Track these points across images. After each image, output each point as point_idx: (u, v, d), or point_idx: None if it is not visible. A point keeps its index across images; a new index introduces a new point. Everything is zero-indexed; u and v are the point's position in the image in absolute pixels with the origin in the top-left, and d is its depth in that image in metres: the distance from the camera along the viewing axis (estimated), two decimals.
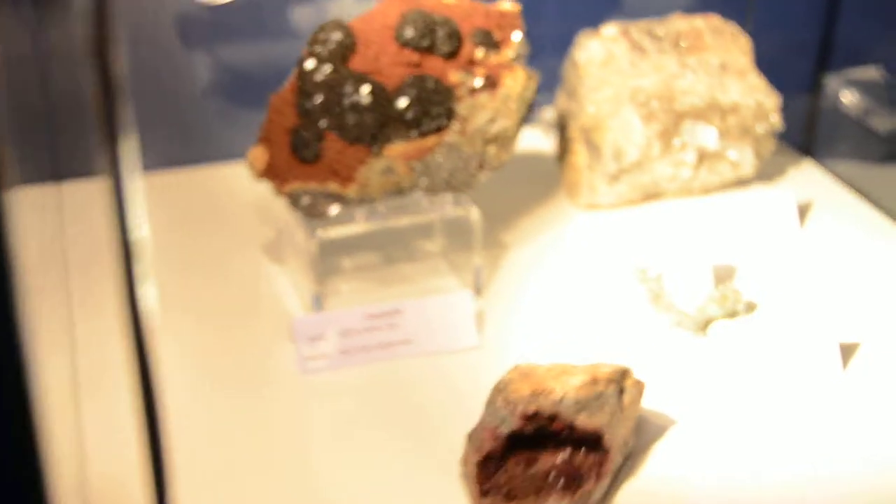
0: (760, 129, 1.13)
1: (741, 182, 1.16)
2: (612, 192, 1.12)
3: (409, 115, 0.92)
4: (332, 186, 0.93)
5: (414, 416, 0.88)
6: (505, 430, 0.79)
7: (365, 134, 0.92)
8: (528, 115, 0.99)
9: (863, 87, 1.31)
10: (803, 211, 1.14)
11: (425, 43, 0.93)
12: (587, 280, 1.04)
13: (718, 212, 1.09)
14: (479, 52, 0.96)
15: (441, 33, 0.93)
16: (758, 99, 1.13)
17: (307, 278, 0.98)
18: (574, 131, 1.14)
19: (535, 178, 1.19)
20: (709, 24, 1.15)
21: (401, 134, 0.93)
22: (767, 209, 1.10)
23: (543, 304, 1.02)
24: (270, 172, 0.93)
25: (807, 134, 1.28)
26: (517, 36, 0.97)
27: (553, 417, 0.79)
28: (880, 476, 0.83)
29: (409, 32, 0.93)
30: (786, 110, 1.24)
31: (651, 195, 1.14)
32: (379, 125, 0.92)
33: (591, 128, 1.12)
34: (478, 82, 0.94)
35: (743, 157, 1.13)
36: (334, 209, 0.94)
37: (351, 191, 0.93)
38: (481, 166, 0.97)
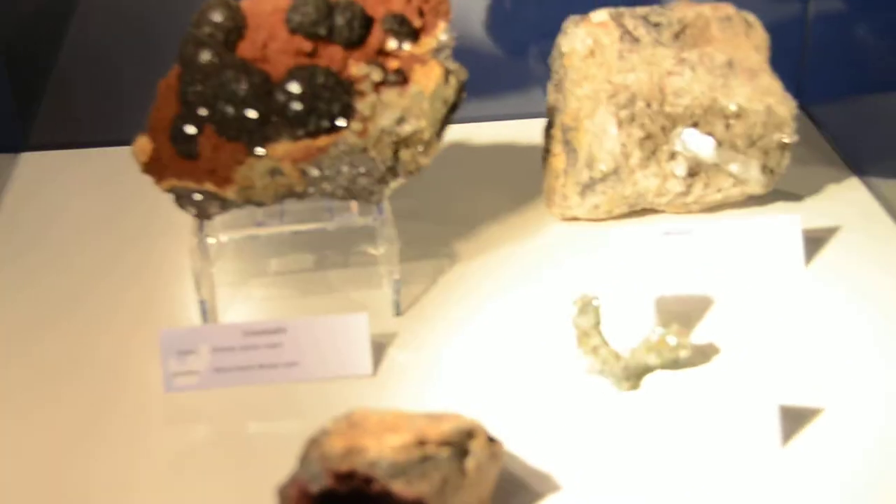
0: (771, 140, 1.00)
1: (752, 200, 1.03)
2: (586, 204, 1.01)
3: (294, 112, 0.85)
4: (209, 187, 0.87)
5: (272, 451, 0.81)
6: (315, 487, 0.71)
7: (243, 130, 0.85)
8: (450, 117, 0.89)
9: None
10: (821, 242, 1.01)
11: (321, 30, 0.85)
12: (530, 305, 0.95)
13: (707, 236, 0.97)
14: (392, 42, 0.87)
15: (341, 19, 0.85)
16: (769, 104, 0.99)
17: (208, 283, 0.93)
18: (557, 129, 1.04)
19: (520, 180, 1.10)
20: (718, 14, 1.02)
21: (286, 132, 0.86)
22: (767, 239, 0.97)
23: (473, 332, 0.93)
24: (152, 166, 0.88)
25: (857, 147, 1.13)
26: (441, 25, 0.88)
27: (369, 480, 0.71)
28: None
29: (299, 17, 0.85)
30: (835, 112, 1.10)
31: (639, 210, 1.03)
32: (260, 121, 0.85)
33: (570, 127, 1.01)
34: (378, 75, 0.86)
35: (748, 173, 1.00)
36: (215, 211, 0.89)
37: (230, 193, 0.87)
38: (394, 172, 0.89)
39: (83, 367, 0.91)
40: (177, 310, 0.96)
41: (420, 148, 0.89)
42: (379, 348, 0.91)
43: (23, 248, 1.05)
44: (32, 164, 1.18)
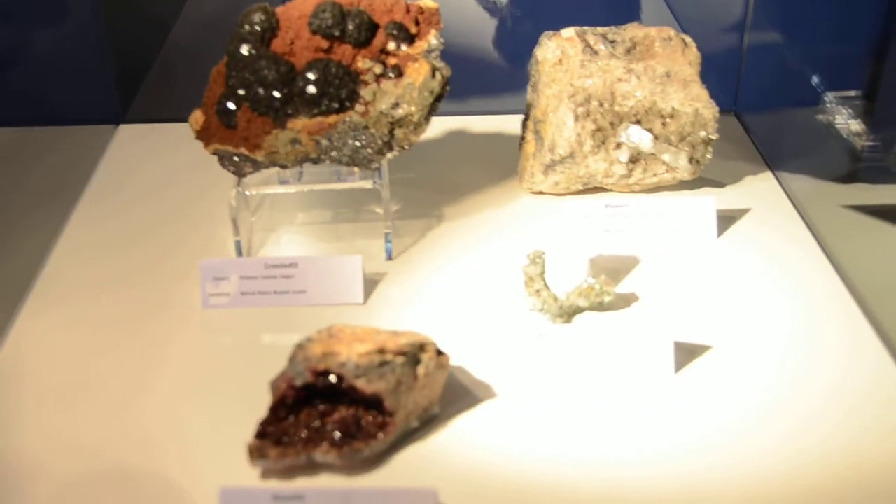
0: (697, 136, 1.00)
1: (682, 185, 1.04)
2: (548, 181, 1.02)
3: (311, 94, 0.87)
4: (244, 151, 0.89)
5: (279, 356, 0.83)
6: (299, 381, 0.74)
7: (271, 108, 0.87)
8: (437, 104, 0.91)
9: (848, 105, 1.14)
10: (733, 220, 1.01)
11: (336, 32, 0.87)
12: (497, 257, 0.96)
13: (643, 210, 0.98)
14: (392, 44, 0.89)
15: (352, 24, 0.87)
16: (696, 108, 0.99)
17: (246, 226, 0.96)
18: (530, 121, 1.05)
19: (499, 161, 1.11)
20: (662, 35, 1.02)
21: (304, 110, 0.88)
22: (688, 214, 0.97)
23: (448, 275, 0.94)
24: (202, 133, 0.90)
25: (774, 145, 1.12)
26: (432, 32, 0.89)
27: (340, 378, 0.73)
28: (678, 462, 0.73)
29: (318, 21, 0.87)
30: (761, 120, 1.10)
31: (591, 188, 1.04)
32: (284, 101, 0.87)
33: (540, 119, 1.02)
34: (379, 69, 0.88)
35: (678, 162, 1.01)
36: (249, 170, 0.91)
37: (259, 156, 0.89)
38: (389, 146, 0.91)
39: (144, 285, 0.94)
40: (220, 247, 0.98)
41: (411, 128, 0.90)
42: (371, 284, 0.93)
43: (114, 199, 1.08)
44: (129, 134, 1.21)
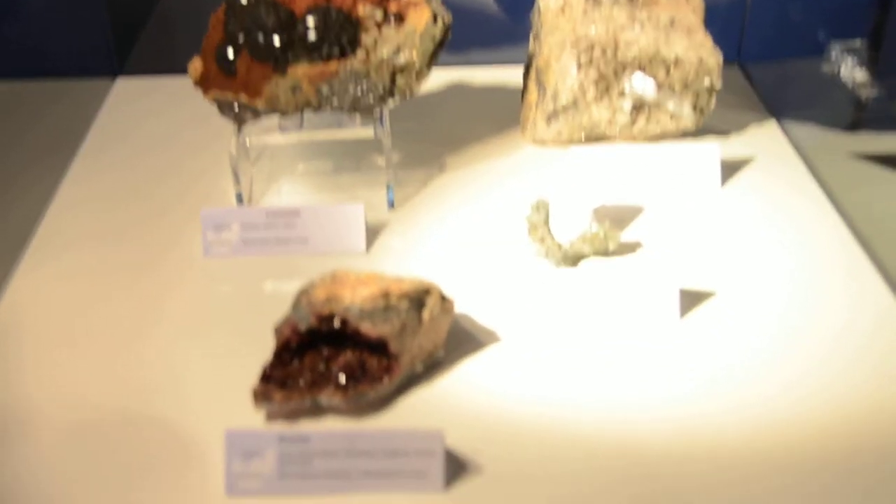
0: (701, 84, 0.99)
1: (685, 135, 1.03)
2: (551, 130, 1.02)
3: (311, 40, 0.86)
4: (243, 98, 0.88)
5: (280, 304, 0.82)
6: (303, 326, 0.73)
7: (271, 54, 0.86)
8: (439, 51, 0.90)
9: (853, 54, 1.13)
10: (737, 168, 1.00)
11: None
12: (500, 206, 0.96)
13: (647, 158, 0.97)
14: None
15: None
16: (701, 55, 0.98)
17: (247, 177, 0.95)
18: (533, 71, 1.04)
19: (501, 112, 1.10)
20: None
21: (304, 57, 0.87)
22: (691, 162, 0.97)
23: (450, 224, 0.94)
24: (201, 81, 0.89)
25: (779, 95, 1.11)
26: None
27: (345, 322, 0.73)
28: (682, 406, 0.73)
29: None
30: (765, 71, 1.09)
31: (594, 137, 1.03)
32: (284, 47, 0.86)
33: (542, 69, 1.01)
34: (380, 15, 0.87)
35: (682, 110, 1.00)
36: (249, 118, 0.90)
37: (259, 103, 0.88)
38: (391, 94, 0.90)
39: (144, 236, 0.93)
40: (221, 198, 0.97)
41: (412, 75, 0.90)
42: (373, 233, 0.92)
43: (112, 152, 1.07)
44: (127, 87, 1.20)
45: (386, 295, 0.73)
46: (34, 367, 0.79)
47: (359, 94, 0.88)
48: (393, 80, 0.89)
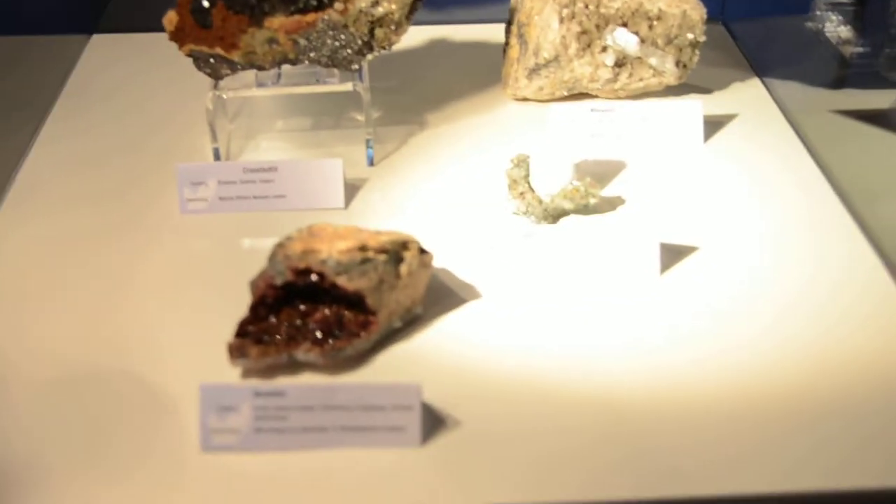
0: (684, 39, 0.98)
1: (669, 91, 1.02)
2: (533, 86, 1.00)
3: None
4: (219, 51, 0.86)
5: (258, 260, 0.81)
6: (279, 280, 0.72)
7: (247, 5, 0.85)
8: (418, 3, 0.88)
9: (837, 12, 1.12)
10: (720, 125, 0.99)
11: None
12: (480, 163, 0.94)
13: (629, 114, 0.96)
14: None
15: None
16: (684, 9, 0.97)
17: (225, 133, 0.93)
18: (514, 26, 1.02)
19: (484, 69, 1.08)
20: None
21: (281, 8, 0.85)
22: (674, 118, 0.96)
23: (431, 180, 0.93)
24: (177, 34, 0.87)
25: (763, 53, 1.10)
26: None
27: (322, 276, 0.72)
28: (662, 356, 0.72)
29: None
30: (750, 28, 1.08)
31: (576, 93, 1.01)
32: None
33: (524, 23, 1.00)
34: None
35: (665, 65, 0.98)
36: (226, 72, 0.88)
37: (236, 56, 0.87)
38: (369, 47, 0.88)
39: (120, 194, 0.92)
40: (198, 155, 0.96)
41: (391, 27, 0.88)
42: (352, 189, 0.91)
43: (87, 110, 1.05)
44: (102, 45, 1.18)
45: (363, 248, 0.72)
46: (10, 325, 0.78)
47: (337, 46, 0.87)
48: (371, 33, 0.87)
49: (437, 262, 0.81)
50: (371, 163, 0.94)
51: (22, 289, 0.81)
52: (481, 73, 1.08)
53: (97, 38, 1.18)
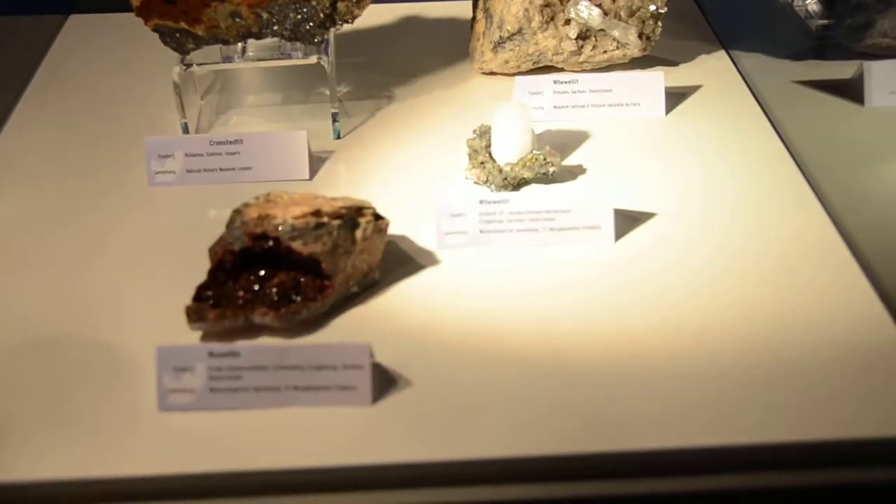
0: (647, 11, 0.99)
1: (633, 63, 1.03)
2: (498, 59, 1.01)
3: None
4: (183, 25, 0.88)
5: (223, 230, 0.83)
6: (237, 246, 0.74)
7: None
8: None
9: None
10: (684, 96, 1.00)
11: None
12: (446, 135, 0.96)
13: (592, 86, 0.97)
14: None
15: None
16: None
17: (194, 109, 0.95)
18: (481, 1, 1.03)
19: (452, 45, 1.10)
20: None
21: None
22: (636, 89, 0.97)
23: (396, 152, 0.94)
24: (142, 10, 0.89)
25: (731, 26, 1.11)
26: None
27: (277, 241, 0.73)
28: (615, 317, 0.74)
29: None
30: (719, 3, 1.09)
31: (541, 66, 1.03)
32: None
33: None
34: None
35: (628, 37, 1.00)
36: (191, 47, 0.90)
37: (200, 30, 0.88)
38: (332, 20, 0.89)
39: (95, 165, 0.94)
40: (168, 130, 0.97)
41: (353, 1, 0.89)
42: (318, 161, 0.92)
43: (62, 89, 1.06)
44: (79, 24, 1.19)
45: (317, 214, 0.74)
46: None
47: (299, 19, 0.88)
48: (334, 6, 0.89)
49: (398, 230, 0.82)
50: (338, 136, 0.96)
51: None
52: (449, 48, 1.09)
53: (74, 18, 1.20)
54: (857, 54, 1.04)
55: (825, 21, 1.09)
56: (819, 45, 1.08)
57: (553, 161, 0.87)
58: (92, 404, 0.69)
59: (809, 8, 1.13)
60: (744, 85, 1.03)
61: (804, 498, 0.65)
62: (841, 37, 1.05)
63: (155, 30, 0.89)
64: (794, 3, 1.15)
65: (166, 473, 0.65)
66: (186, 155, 0.89)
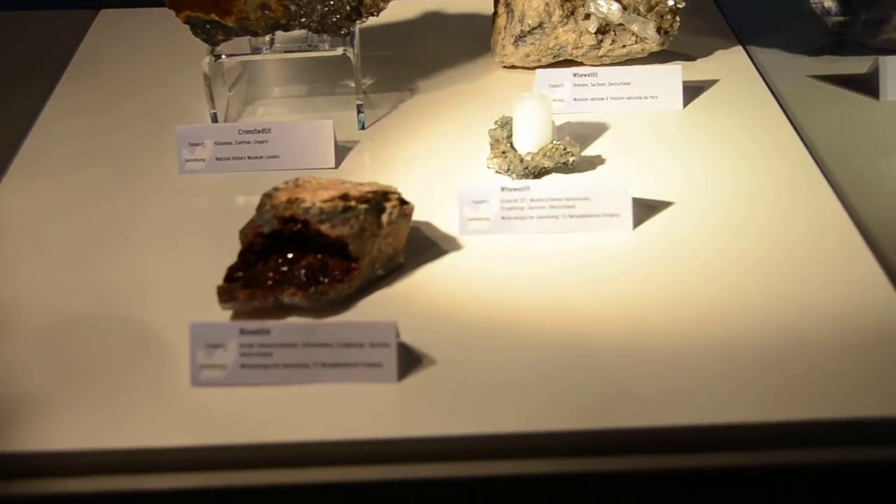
0: (665, 5, 1.01)
1: (651, 57, 1.04)
2: (519, 52, 1.03)
3: None
4: (214, 17, 0.90)
5: (251, 214, 0.85)
6: (266, 229, 0.76)
7: None
8: None
9: None
10: (701, 90, 1.02)
11: None
12: (468, 125, 0.97)
13: (612, 79, 0.99)
14: None
15: None
16: None
17: (223, 99, 0.97)
18: None
19: (474, 39, 1.11)
20: None
21: None
22: (654, 83, 0.99)
23: (419, 141, 0.96)
24: (174, 2, 0.91)
25: (748, 22, 1.13)
26: None
27: (306, 224, 0.75)
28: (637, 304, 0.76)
29: None
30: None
31: (561, 60, 1.04)
32: None
33: None
34: None
35: (646, 32, 1.01)
36: (221, 38, 0.92)
37: (230, 22, 0.90)
38: (358, 12, 0.91)
39: (126, 154, 0.96)
40: (198, 120, 0.99)
41: None
42: (344, 151, 0.94)
43: (93, 80, 1.09)
44: (109, 18, 1.22)
45: (345, 198, 0.76)
46: (11, 274, 0.82)
47: (326, 11, 0.90)
48: None
49: (422, 216, 0.84)
50: (362, 126, 0.98)
51: (27, 240, 0.86)
52: (470, 42, 1.11)
53: (105, 13, 1.22)
54: (872, 50, 1.05)
55: (841, 17, 1.10)
56: (835, 40, 1.10)
57: (573, 151, 0.89)
58: (128, 380, 0.71)
59: (825, 4, 1.14)
60: (760, 79, 1.04)
61: (823, 473, 0.66)
62: (856, 32, 1.07)
63: (186, 21, 0.91)
64: (811, 1, 1.16)
65: (198, 445, 0.67)
66: (216, 143, 0.91)
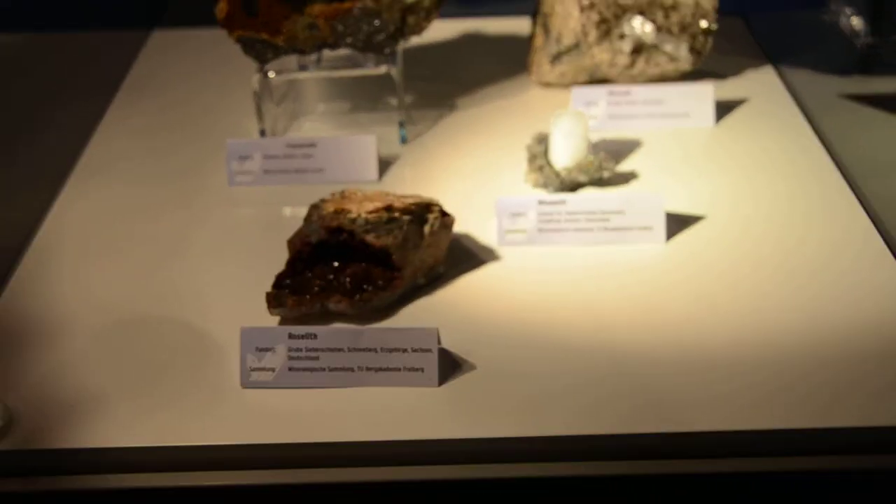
0: (698, 26, 1.02)
1: (684, 77, 1.05)
2: (555, 71, 1.05)
3: None
4: (264, 36, 0.92)
5: (297, 225, 0.87)
6: (314, 238, 0.78)
7: None
8: None
9: (851, 4, 1.15)
10: (731, 108, 1.03)
11: None
12: (506, 141, 0.99)
13: (645, 97, 1.00)
14: None
15: None
16: None
17: (271, 115, 0.99)
18: (539, 16, 1.07)
19: (511, 58, 1.13)
20: None
21: None
22: (686, 100, 1.00)
23: (458, 156, 0.98)
24: (227, 21, 0.94)
25: (778, 44, 1.14)
26: None
27: (351, 234, 0.77)
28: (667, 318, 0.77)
29: None
30: (767, 22, 1.11)
31: (596, 78, 1.06)
32: None
33: (548, 14, 1.05)
34: None
35: (679, 52, 1.02)
36: (270, 56, 0.94)
37: (280, 41, 0.92)
38: (402, 32, 0.93)
39: (180, 168, 0.99)
40: (247, 136, 1.01)
41: (422, 14, 0.93)
42: (385, 164, 0.96)
43: (147, 98, 1.12)
44: (161, 39, 1.25)
45: (389, 209, 0.77)
46: (71, 278, 0.84)
47: (371, 31, 0.92)
48: (403, 19, 0.93)
49: (461, 229, 0.86)
50: (403, 141, 0.99)
51: (85, 251, 0.88)
52: (509, 61, 1.13)
53: (157, 34, 1.25)
54: None
55: (869, 38, 1.11)
56: (863, 60, 1.11)
57: (608, 166, 0.90)
58: (181, 380, 0.73)
59: (854, 25, 1.15)
60: (790, 98, 1.05)
61: (849, 480, 0.67)
62: (885, 53, 1.08)
63: (238, 40, 0.94)
64: (840, 22, 1.17)
65: (247, 444, 0.68)
66: (264, 157, 0.93)
